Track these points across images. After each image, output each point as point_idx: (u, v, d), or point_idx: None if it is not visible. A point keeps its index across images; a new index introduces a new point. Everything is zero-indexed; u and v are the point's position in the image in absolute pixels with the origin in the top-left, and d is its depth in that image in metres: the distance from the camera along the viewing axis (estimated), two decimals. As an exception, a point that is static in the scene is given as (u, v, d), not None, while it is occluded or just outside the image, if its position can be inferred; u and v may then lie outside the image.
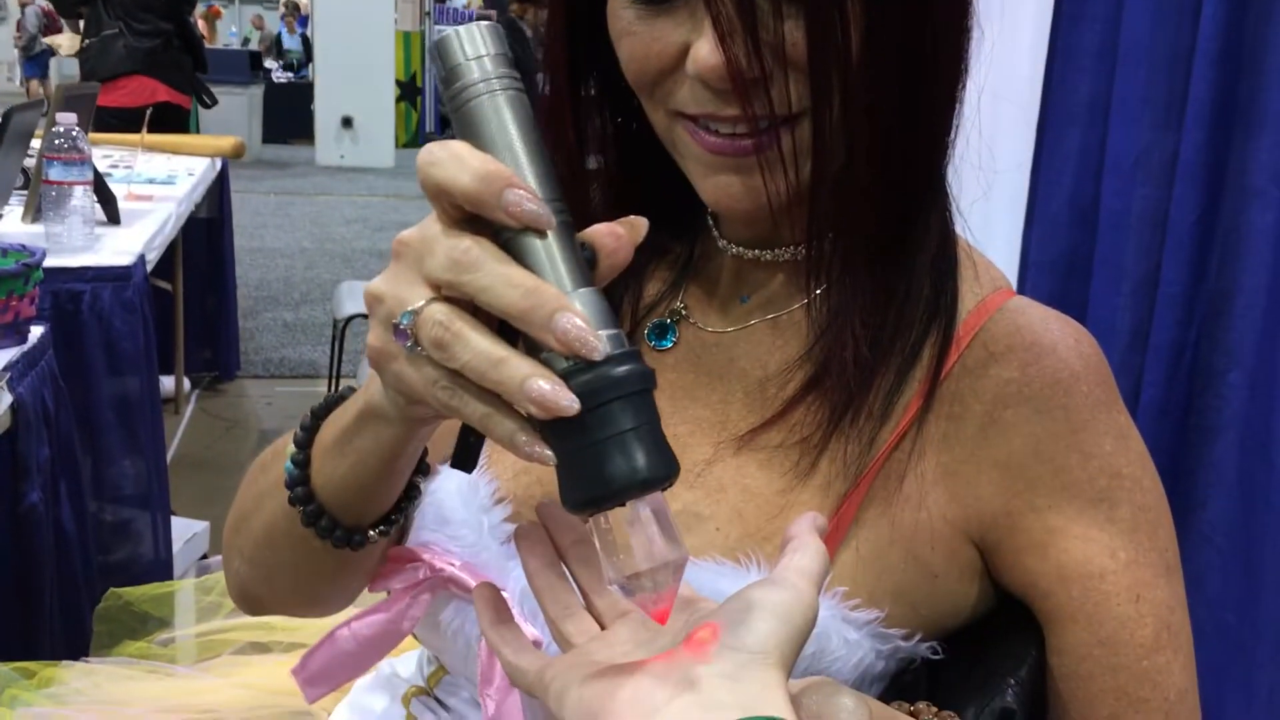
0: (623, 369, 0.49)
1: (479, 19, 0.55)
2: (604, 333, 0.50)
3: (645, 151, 0.74)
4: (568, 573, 0.61)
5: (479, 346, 0.49)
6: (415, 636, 0.80)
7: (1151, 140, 1.68)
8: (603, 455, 0.49)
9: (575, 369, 0.49)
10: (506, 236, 0.51)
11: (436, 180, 0.51)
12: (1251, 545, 1.56)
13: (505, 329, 0.51)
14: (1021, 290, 0.78)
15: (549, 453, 0.50)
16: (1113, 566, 0.69)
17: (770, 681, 0.49)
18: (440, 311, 0.50)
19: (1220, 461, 1.61)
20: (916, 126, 0.69)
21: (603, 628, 0.58)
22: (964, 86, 0.71)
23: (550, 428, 0.49)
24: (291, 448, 0.67)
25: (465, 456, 0.60)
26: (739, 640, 0.50)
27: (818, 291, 0.73)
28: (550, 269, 0.51)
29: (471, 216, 0.51)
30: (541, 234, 0.51)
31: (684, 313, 0.79)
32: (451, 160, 0.50)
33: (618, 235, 0.53)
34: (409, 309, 0.51)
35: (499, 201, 0.50)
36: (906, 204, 0.71)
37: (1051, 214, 1.86)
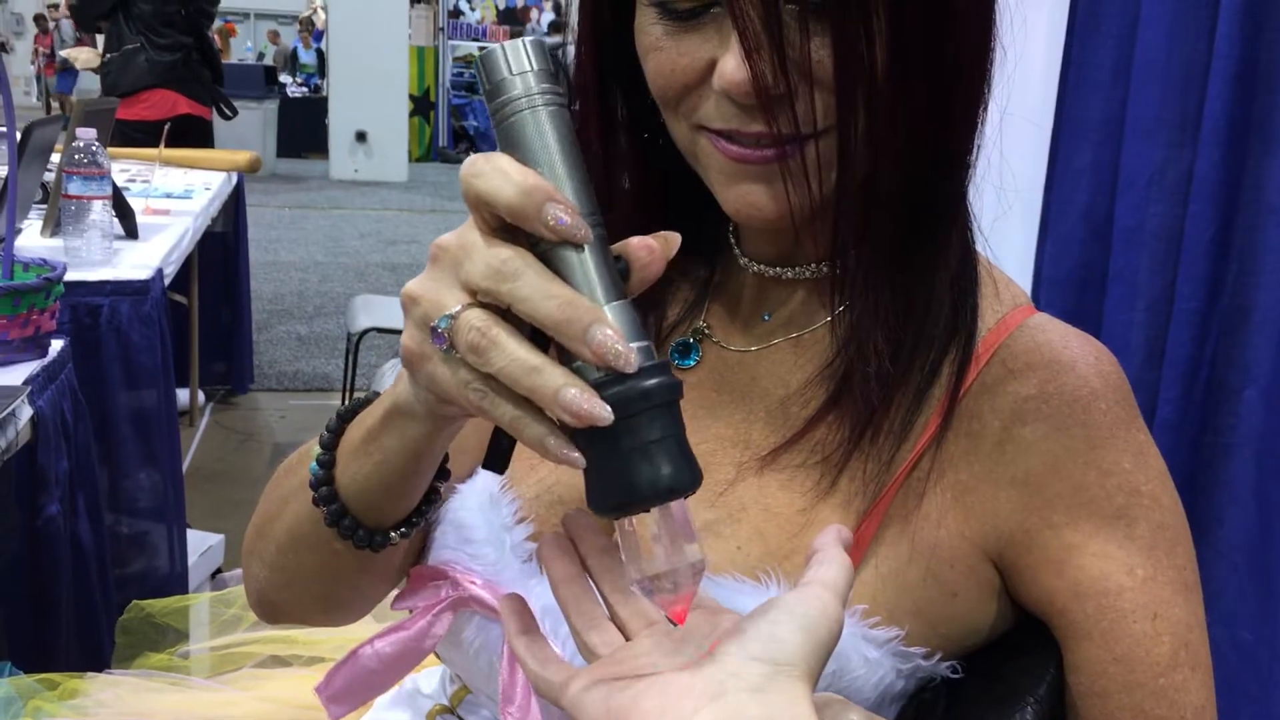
0: (652, 381, 0.51)
1: (512, 34, 0.56)
2: (635, 345, 0.51)
3: (668, 172, 0.75)
4: (592, 584, 0.61)
5: (515, 354, 0.51)
6: (438, 655, 0.81)
7: (1166, 157, 1.68)
8: (630, 463, 0.51)
9: (606, 380, 0.51)
10: (544, 248, 0.53)
11: (479, 191, 0.52)
12: (1268, 562, 1.56)
13: (535, 334, 0.52)
14: (1035, 307, 0.78)
15: (579, 456, 0.52)
16: (1130, 584, 0.69)
17: (796, 693, 0.49)
18: (478, 318, 0.52)
19: (1236, 478, 1.61)
20: (940, 144, 0.69)
21: (627, 638, 0.58)
22: (986, 106, 0.71)
23: (579, 434, 0.51)
24: (317, 449, 0.68)
25: (497, 458, 0.61)
26: (765, 652, 0.50)
27: (840, 309, 0.74)
28: (585, 281, 0.52)
29: (509, 226, 0.53)
30: (579, 247, 0.52)
31: (707, 332, 0.80)
32: (495, 173, 0.52)
33: (651, 249, 0.55)
34: (446, 313, 0.53)
35: (539, 215, 0.51)
36: (929, 221, 0.72)
37: (1065, 230, 1.86)
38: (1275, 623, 1.54)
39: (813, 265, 0.75)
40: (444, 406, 0.57)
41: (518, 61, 0.54)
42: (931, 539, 0.70)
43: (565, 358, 0.52)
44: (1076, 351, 0.73)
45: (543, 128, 0.54)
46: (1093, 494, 0.70)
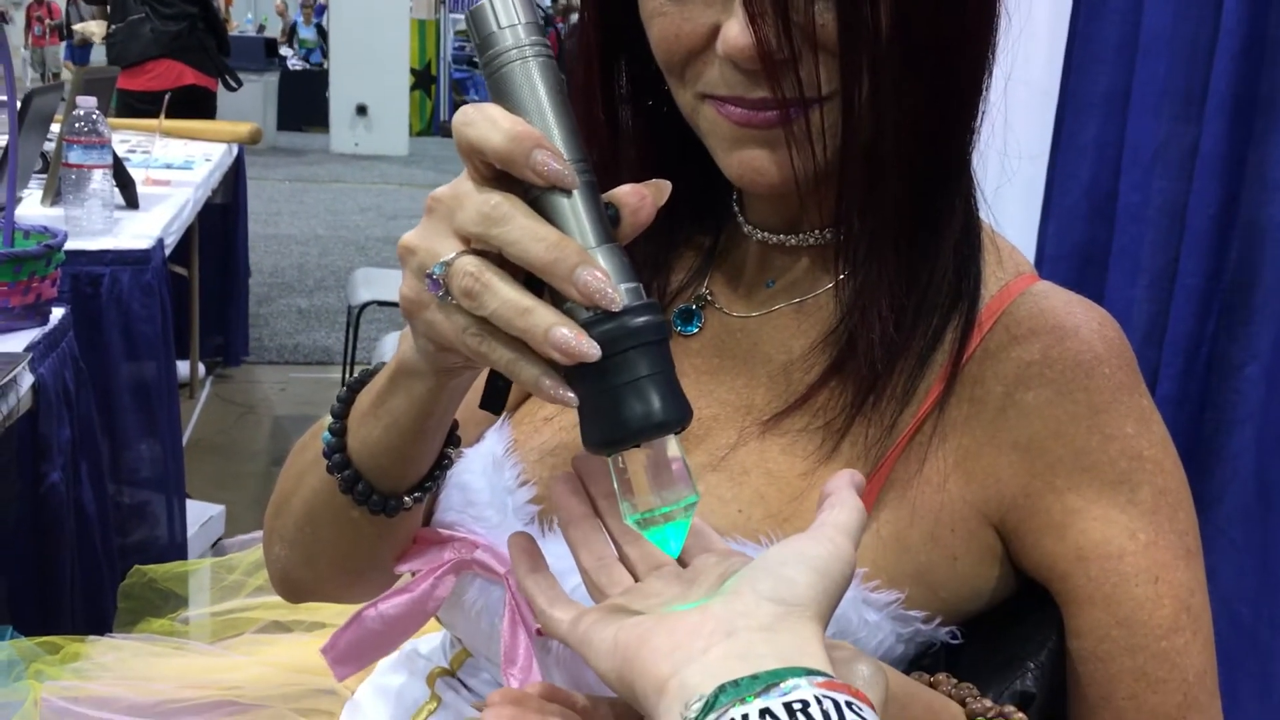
0: (640, 320, 0.53)
1: None
2: (623, 286, 0.53)
3: (672, 141, 0.75)
4: (602, 525, 0.62)
5: (506, 296, 0.53)
6: (438, 619, 0.81)
7: (1170, 133, 1.67)
8: (620, 399, 0.53)
9: (596, 319, 0.52)
10: (534, 194, 0.54)
11: (469, 139, 0.54)
12: (1268, 539, 1.56)
13: (531, 281, 0.54)
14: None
15: (572, 395, 0.53)
16: (1132, 548, 0.70)
17: (808, 634, 0.49)
18: (471, 263, 0.53)
19: (1237, 455, 1.61)
20: (944, 110, 0.69)
21: (636, 579, 0.59)
22: (991, 73, 0.71)
23: (572, 373, 0.53)
24: (329, 419, 0.69)
25: (494, 399, 0.62)
26: (776, 592, 0.50)
27: (843, 275, 0.74)
28: (575, 225, 0.54)
29: (501, 175, 0.54)
30: (567, 192, 0.54)
31: (710, 298, 0.80)
32: (484, 121, 0.53)
33: (641, 194, 0.56)
34: (441, 260, 0.54)
35: (527, 160, 0.53)
36: (932, 187, 0.71)
37: (1068, 206, 1.85)
38: (1273, 599, 1.54)
39: (816, 232, 0.75)
40: (444, 356, 0.59)
41: (507, 15, 0.56)
42: (933, 503, 0.71)
43: (557, 300, 0.53)
44: (1080, 317, 0.73)
45: (532, 78, 0.55)
46: (1095, 459, 0.70)
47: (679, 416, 0.54)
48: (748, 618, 0.49)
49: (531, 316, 0.52)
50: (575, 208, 0.54)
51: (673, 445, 0.54)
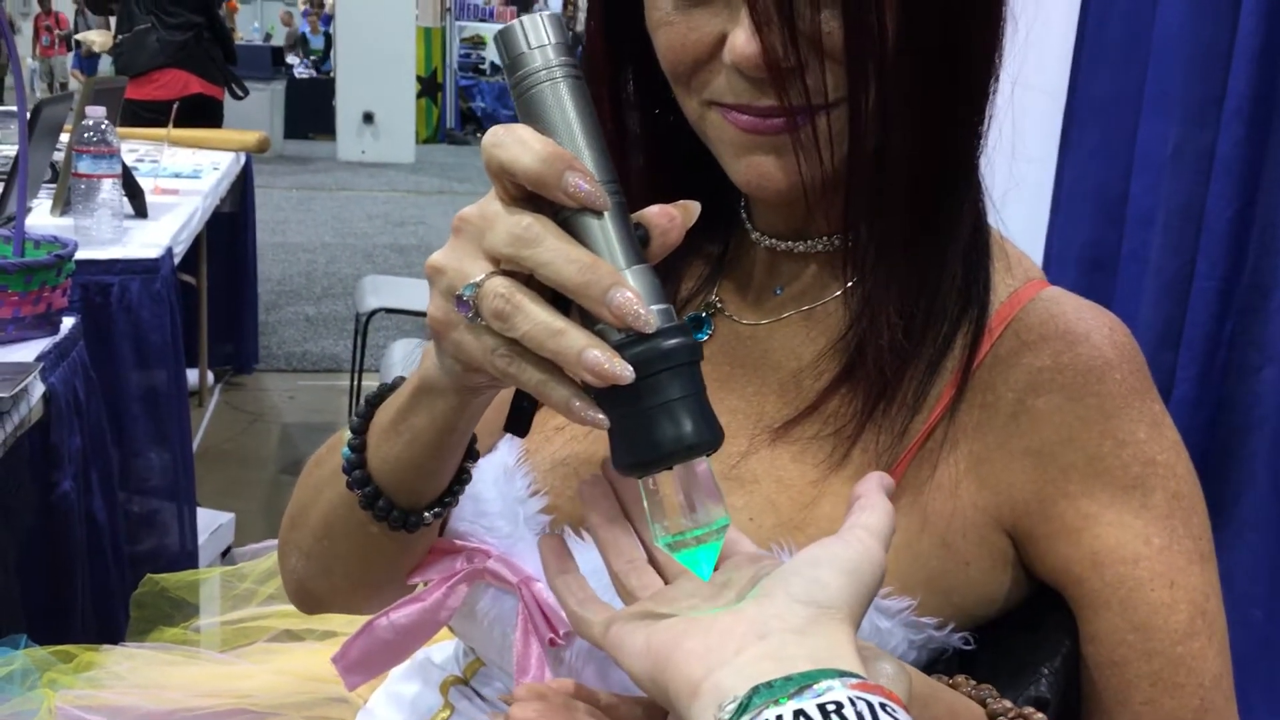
0: (672, 341, 0.52)
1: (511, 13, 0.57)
2: (655, 307, 0.53)
3: (679, 149, 0.75)
4: (631, 528, 0.62)
5: (539, 318, 0.52)
6: (451, 629, 0.81)
7: (1184, 135, 1.67)
8: (652, 422, 0.52)
9: (628, 341, 0.52)
10: (565, 215, 0.54)
11: (500, 161, 0.53)
12: (1280, 542, 1.56)
13: (558, 301, 0.53)
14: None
15: (603, 417, 0.53)
16: (1146, 553, 0.69)
17: (839, 636, 0.49)
18: (502, 284, 0.53)
19: (1253, 458, 1.60)
20: (951, 116, 0.69)
21: (666, 582, 0.59)
22: (998, 78, 0.71)
23: (603, 395, 0.52)
24: (348, 434, 0.69)
25: (518, 421, 0.62)
26: (808, 594, 0.50)
27: (851, 282, 0.74)
28: (605, 247, 0.54)
29: (531, 195, 0.54)
30: (598, 214, 0.54)
31: (719, 306, 0.80)
32: (515, 143, 0.53)
33: (670, 216, 0.56)
34: (471, 281, 0.54)
35: (560, 182, 0.52)
36: (940, 194, 0.71)
37: (1076, 209, 1.85)
38: (1287, 602, 1.54)
39: (824, 239, 0.75)
40: (471, 376, 0.58)
41: (536, 35, 0.55)
42: (945, 509, 0.70)
43: (587, 321, 0.53)
44: (1091, 323, 0.73)
45: (561, 99, 0.55)
46: (1108, 463, 0.70)
47: (711, 439, 0.53)
48: (780, 619, 0.49)
49: (564, 338, 0.52)
50: (606, 229, 0.54)
51: (704, 467, 0.54)
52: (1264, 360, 1.58)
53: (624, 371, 0.51)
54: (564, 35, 0.56)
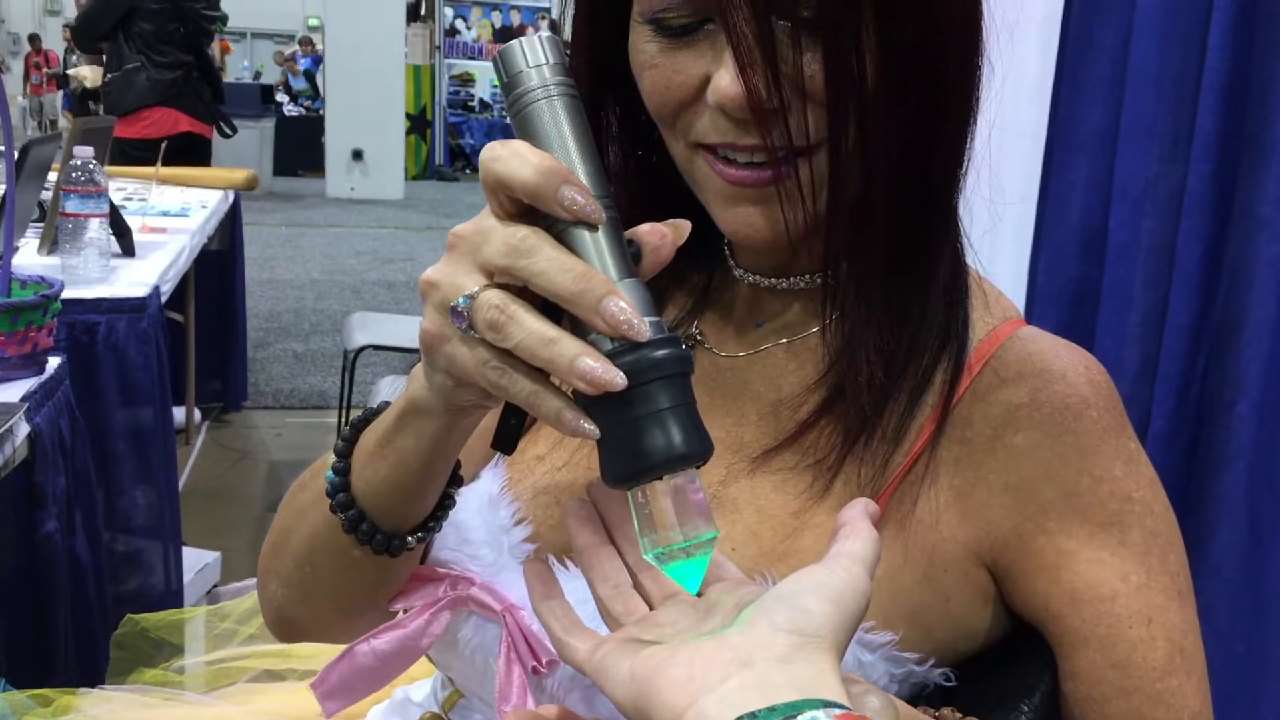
0: (663, 352, 0.53)
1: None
2: (647, 319, 0.53)
3: (663, 185, 0.76)
4: (617, 553, 0.62)
5: (532, 327, 0.53)
6: (430, 659, 0.81)
7: (1159, 171, 1.68)
8: (642, 431, 0.53)
9: (619, 350, 0.53)
10: (559, 229, 0.55)
11: (497, 174, 0.55)
12: (1261, 576, 1.56)
13: (549, 315, 0.54)
14: (1029, 320, 0.79)
15: (593, 427, 0.53)
16: (1124, 590, 0.70)
17: (824, 665, 0.49)
18: (496, 296, 0.54)
19: (1229, 492, 1.61)
20: (930, 158, 0.70)
21: (650, 608, 0.59)
22: (975, 121, 0.72)
23: (594, 407, 0.53)
24: (332, 458, 0.70)
25: (506, 438, 0.62)
26: (792, 622, 0.50)
27: (832, 318, 0.74)
28: (598, 259, 0.55)
29: (526, 211, 0.55)
30: (592, 227, 0.55)
31: (699, 338, 0.80)
32: (513, 157, 0.54)
33: (662, 233, 0.57)
34: (466, 293, 0.55)
35: (555, 195, 0.54)
36: (920, 233, 0.72)
37: (1058, 244, 1.86)
38: (1267, 636, 1.54)
39: (806, 276, 0.76)
40: (460, 393, 0.59)
41: (534, 55, 0.57)
42: (926, 543, 0.71)
43: (579, 334, 0.54)
44: (1067, 361, 0.74)
45: (558, 116, 0.56)
46: (1085, 500, 0.71)
47: (702, 449, 0.54)
48: (765, 648, 0.49)
49: (557, 346, 0.53)
50: (599, 243, 0.55)
51: (694, 479, 0.54)
52: (1238, 395, 1.59)
53: (616, 378, 0.52)
54: (561, 56, 0.57)
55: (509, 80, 0.57)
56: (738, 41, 0.63)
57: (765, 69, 0.63)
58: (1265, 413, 1.57)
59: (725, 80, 0.64)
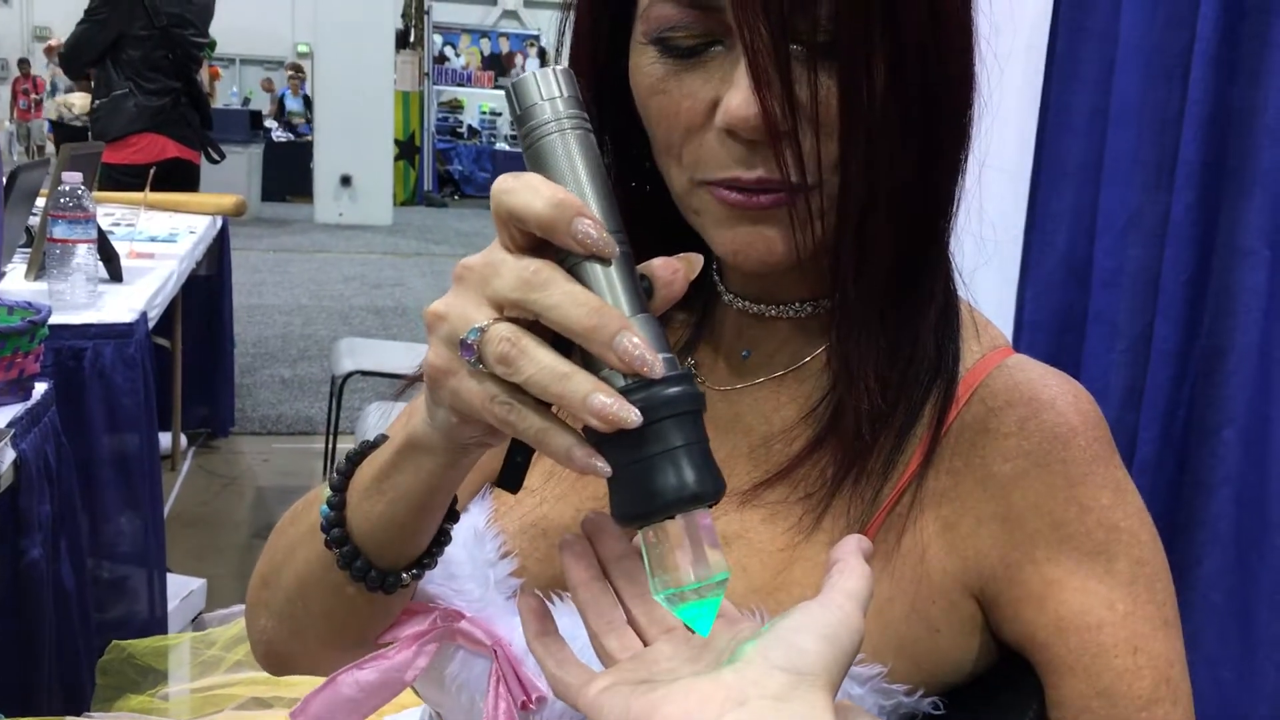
0: (676, 389, 0.52)
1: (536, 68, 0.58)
2: (660, 355, 0.53)
3: (657, 221, 0.75)
4: (610, 588, 0.62)
5: (544, 361, 0.52)
6: (416, 692, 0.81)
7: (1143, 201, 1.70)
8: (654, 470, 0.52)
9: (632, 387, 0.52)
10: (571, 263, 0.54)
11: (510, 206, 0.54)
12: (1248, 602, 1.57)
13: (559, 349, 0.53)
14: (1016, 349, 0.79)
15: (604, 464, 0.52)
16: (1110, 619, 0.70)
17: (818, 703, 0.49)
18: (506, 329, 0.53)
19: (1216, 518, 1.62)
20: (928, 187, 0.70)
21: (645, 644, 0.59)
22: (967, 154, 0.72)
23: (604, 444, 0.52)
24: (327, 491, 0.69)
25: (512, 476, 0.61)
26: (787, 660, 0.50)
27: (820, 349, 0.75)
28: (611, 294, 0.54)
29: (538, 244, 0.54)
30: (605, 261, 0.54)
31: (694, 372, 0.80)
32: (525, 189, 0.54)
33: (674, 268, 0.56)
34: (475, 326, 0.54)
35: (569, 228, 0.53)
36: (917, 263, 0.73)
37: (1046, 273, 1.88)
38: (1254, 662, 1.54)
39: (795, 304, 0.76)
40: (463, 429, 0.58)
41: (548, 88, 0.56)
42: (913, 575, 0.71)
43: (590, 368, 0.53)
44: (1055, 389, 0.74)
45: (571, 150, 0.56)
46: (1073, 529, 0.71)
47: (715, 489, 0.53)
48: (759, 686, 0.49)
49: (570, 382, 0.52)
50: (611, 277, 0.54)
51: (706, 518, 0.53)
52: (1223, 421, 1.60)
53: (631, 414, 0.51)
54: (574, 89, 0.57)
55: (522, 113, 0.57)
56: (754, 60, 0.62)
57: (780, 89, 0.62)
58: (1251, 438, 1.58)
59: (736, 100, 0.63)
